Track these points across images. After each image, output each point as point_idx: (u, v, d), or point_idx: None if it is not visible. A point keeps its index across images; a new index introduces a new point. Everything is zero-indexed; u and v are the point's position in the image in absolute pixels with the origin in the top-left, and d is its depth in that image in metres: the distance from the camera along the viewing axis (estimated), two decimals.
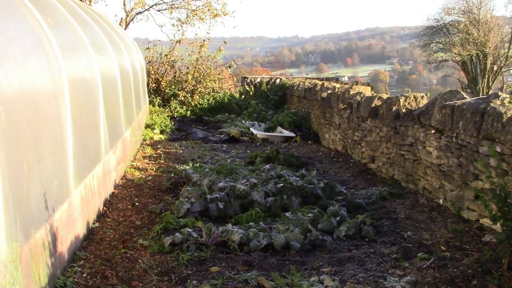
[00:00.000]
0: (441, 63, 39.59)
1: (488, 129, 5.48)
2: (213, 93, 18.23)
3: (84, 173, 5.53)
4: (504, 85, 32.71)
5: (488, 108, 5.63)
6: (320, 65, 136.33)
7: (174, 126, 14.28)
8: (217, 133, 13.43)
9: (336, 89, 11.66)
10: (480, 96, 6.58)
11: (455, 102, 6.38)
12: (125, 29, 19.62)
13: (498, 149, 5.27)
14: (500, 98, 5.77)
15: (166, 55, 18.49)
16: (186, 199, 6.53)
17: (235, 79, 24.33)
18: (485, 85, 34.41)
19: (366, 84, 23.94)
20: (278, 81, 18.62)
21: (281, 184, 6.90)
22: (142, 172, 8.83)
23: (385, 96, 9.29)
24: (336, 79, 25.65)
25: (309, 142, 12.45)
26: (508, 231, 3.90)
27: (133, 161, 9.58)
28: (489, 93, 31.78)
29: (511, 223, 3.88)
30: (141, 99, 12.57)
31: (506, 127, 5.15)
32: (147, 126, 13.17)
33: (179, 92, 17.41)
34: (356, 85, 21.53)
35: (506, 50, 35.44)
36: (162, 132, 13.31)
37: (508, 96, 5.74)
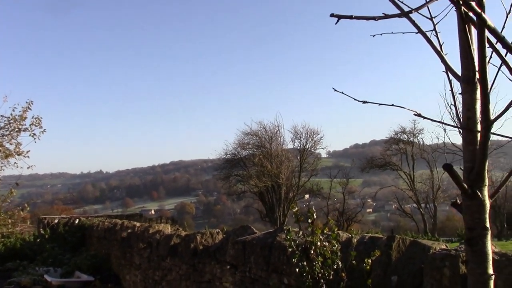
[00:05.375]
0: (241, 194, 41.84)
1: (276, 262, 5.77)
2: (3, 239, 16.63)
3: None
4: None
5: (274, 242, 5.96)
6: (125, 199, 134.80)
7: None
8: (5, 284, 12.09)
9: (136, 228, 11.48)
10: (269, 230, 6.98)
11: (246, 238, 6.67)
12: None
13: (286, 281, 5.54)
14: (285, 232, 6.15)
15: None
16: None
17: (28, 222, 22.63)
18: (281, 213, 36.87)
19: (170, 219, 24.17)
20: (77, 221, 17.73)
21: None
22: None
23: (183, 233, 9.38)
24: (140, 215, 25.50)
25: (109, 285, 11.82)
26: None
27: None
28: (285, 220, 33.79)
29: None
30: None
31: (290, 259, 5.45)
32: None
33: None
34: (160, 221, 21.57)
35: (297, 180, 39.01)
36: None
37: (289, 230, 6.15)
